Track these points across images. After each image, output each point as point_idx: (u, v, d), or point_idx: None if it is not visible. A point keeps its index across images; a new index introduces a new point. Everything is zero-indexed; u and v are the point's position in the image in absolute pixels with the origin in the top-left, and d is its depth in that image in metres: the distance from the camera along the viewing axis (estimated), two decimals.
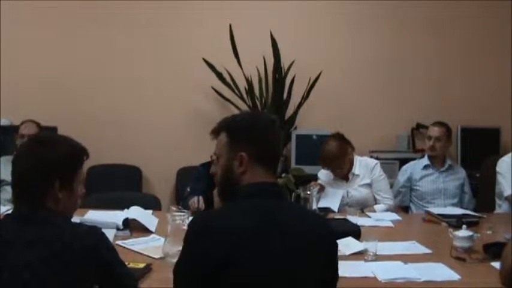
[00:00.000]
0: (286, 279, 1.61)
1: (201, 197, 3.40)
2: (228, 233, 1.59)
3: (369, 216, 3.58)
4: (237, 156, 1.71)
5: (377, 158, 4.39)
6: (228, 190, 1.78)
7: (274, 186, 1.76)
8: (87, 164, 5.05)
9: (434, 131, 4.15)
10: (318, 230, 1.74)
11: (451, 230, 2.92)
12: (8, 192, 3.82)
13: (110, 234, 2.73)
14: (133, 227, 2.99)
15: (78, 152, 1.85)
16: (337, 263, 1.78)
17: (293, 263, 1.63)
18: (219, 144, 1.79)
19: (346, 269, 2.37)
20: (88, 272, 1.69)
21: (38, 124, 4.38)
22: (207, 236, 1.60)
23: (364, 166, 3.92)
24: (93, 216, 3.11)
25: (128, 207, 3.18)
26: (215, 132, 1.82)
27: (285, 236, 1.64)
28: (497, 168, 3.92)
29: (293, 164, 4.98)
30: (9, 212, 1.77)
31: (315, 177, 4.00)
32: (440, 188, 4.15)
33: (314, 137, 5.04)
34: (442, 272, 2.42)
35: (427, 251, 2.76)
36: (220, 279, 1.56)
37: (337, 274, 1.79)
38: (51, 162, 1.75)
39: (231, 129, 1.78)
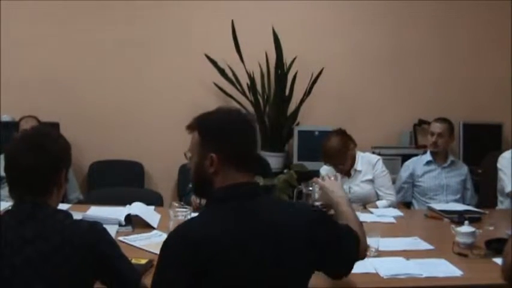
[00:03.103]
0: (268, 278, 1.62)
1: None
2: (203, 241, 1.57)
3: (371, 212, 3.59)
4: (208, 156, 1.69)
5: (379, 154, 4.40)
6: (200, 188, 1.80)
7: (246, 186, 1.72)
8: (90, 160, 5.14)
9: (437, 127, 4.15)
10: (295, 219, 1.72)
11: (453, 226, 2.92)
12: None
13: (112, 230, 2.73)
14: (135, 222, 2.99)
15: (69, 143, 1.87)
16: (324, 241, 1.74)
17: (273, 262, 1.63)
18: (192, 142, 1.78)
19: None
20: (90, 267, 1.69)
21: (37, 119, 4.37)
22: (183, 246, 1.59)
23: (366, 162, 3.92)
24: (95, 212, 3.11)
25: (130, 203, 3.17)
26: (190, 128, 1.80)
27: (262, 235, 1.63)
28: (498, 165, 3.92)
29: (295, 160, 4.99)
30: (9, 208, 1.75)
31: (317, 173, 3.99)
32: (442, 184, 4.15)
33: (316, 133, 5.04)
34: (444, 267, 2.42)
35: (429, 247, 2.76)
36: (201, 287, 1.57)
37: (328, 251, 1.76)
38: (59, 153, 1.77)
39: (202, 129, 1.76)
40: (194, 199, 3.41)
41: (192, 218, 1.71)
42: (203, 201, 3.31)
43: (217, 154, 1.68)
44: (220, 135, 1.72)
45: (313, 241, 1.72)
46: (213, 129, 1.75)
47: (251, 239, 1.61)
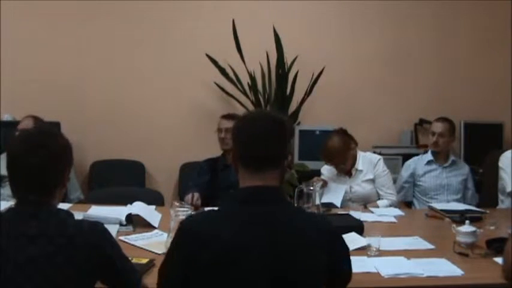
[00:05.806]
0: (269, 284, 1.61)
1: (197, 193, 3.42)
2: (211, 240, 1.59)
3: (372, 212, 3.58)
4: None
5: (380, 154, 4.39)
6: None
7: (260, 190, 1.70)
8: (91, 160, 5.14)
9: (438, 127, 4.14)
10: (307, 233, 1.70)
11: (454, 225, 2.91)
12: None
13: (113, 229, 2.73)
14: (136, 222, 2.99)
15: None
16: (339, 256, 1.80)
17: (275, 269, 1.62)
18: None
19: None
20: (91, 268, 1.69)
21: (39, 119, 4.36)
22: (191, 240, 1.62)
23: (367, 161, 3.91)
24: (96, 211, 3.11)
25: (131, 203, 3.17)
26: None
27: (268, 242, 1.62)
28: (500, 164, 3.92)
29: (296, 160, 4.99)
30: (12, 206, 1.75)
31: (318, 173, 4.00)
32: (443, 184, 4.14)
33: (317, 132, 5.04)
34: (445, 267, 2.42)
35: (430, 246, 2.76)
36: (202, 283, 1.59)
37: (342, 266, 1.81)
38: (61, 152, 1.77)
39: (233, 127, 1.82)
40: (188, 198, 3.41)
41: (205, 213, 1.74)
42: (197, 202, 3.37)
43: (234, 152, 1.75)
44: (235, 133, 1.78)
45: (331, 252, 1.75)
46: (234, 127, 1.80)
47: (256, 245, 1.61)
